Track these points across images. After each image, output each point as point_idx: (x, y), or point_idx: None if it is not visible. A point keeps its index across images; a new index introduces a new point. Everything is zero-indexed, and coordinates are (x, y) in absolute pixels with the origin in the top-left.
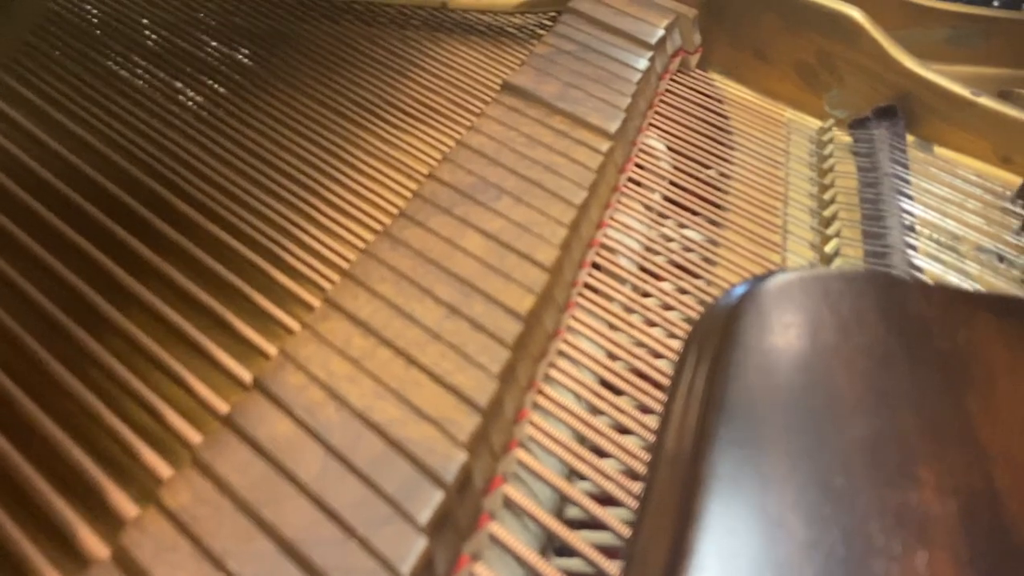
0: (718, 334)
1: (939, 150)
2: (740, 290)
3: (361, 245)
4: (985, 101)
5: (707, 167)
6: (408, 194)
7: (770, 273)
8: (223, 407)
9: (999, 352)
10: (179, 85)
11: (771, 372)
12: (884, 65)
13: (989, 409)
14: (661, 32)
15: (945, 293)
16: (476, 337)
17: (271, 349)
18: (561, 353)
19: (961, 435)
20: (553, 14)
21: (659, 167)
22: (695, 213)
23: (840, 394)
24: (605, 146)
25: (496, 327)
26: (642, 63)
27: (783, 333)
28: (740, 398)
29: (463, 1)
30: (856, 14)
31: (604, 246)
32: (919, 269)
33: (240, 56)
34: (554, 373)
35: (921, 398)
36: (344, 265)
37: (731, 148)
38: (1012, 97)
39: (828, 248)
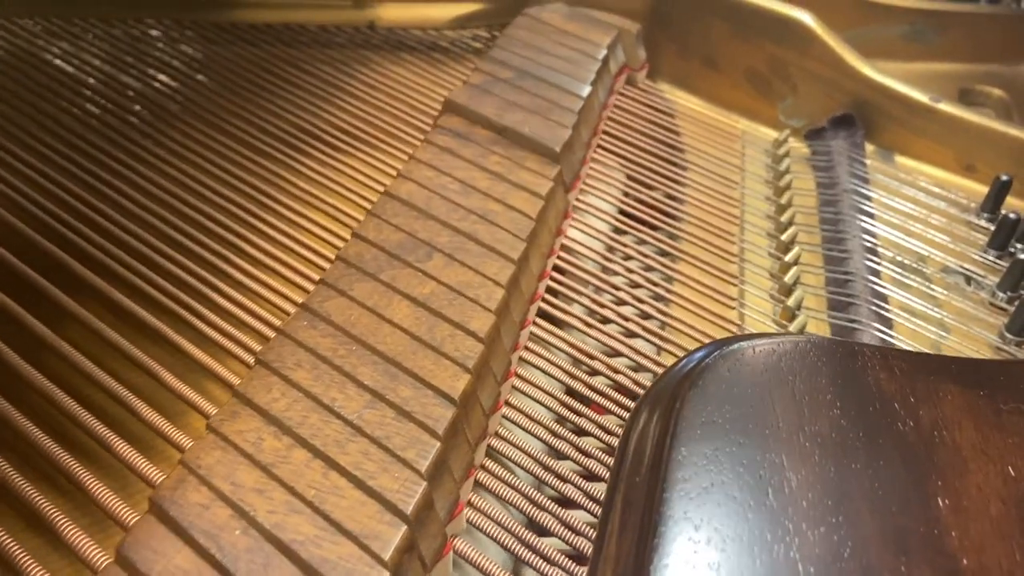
0: (662, 428)
1: (901, 159)
2: (686, 367)
3: (289, 308)
4: (945, 107)
5: (659, 193)
6: (340, 242)
7: (717, 345)
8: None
9: (968, 433)
10: (74, 124)
11: (718, 476)
12: (838, 71)
13: (959, 507)
14: (603, 52)
15: (908, 362)
16: (403, 428)
17: (185, 441)
18: (506, 419)
19: (928, 542)
20: (492, 25)
21: (608, 195)
22: (647, 245)
23: (794, 499)
24: (545, 188)
25: (425, 414)
26: (584, 89)
27: (733, 426)
28: (683, 513)
29: (393, 17)
30: (807, 19)
31: (550, 290)
32: (884, 298)
33: (146, 88)
34: (497, 443)
35: (883, 497)
36: (270, 333)
37: (684, 168)
38: (973, 95)
39: (788, 277)
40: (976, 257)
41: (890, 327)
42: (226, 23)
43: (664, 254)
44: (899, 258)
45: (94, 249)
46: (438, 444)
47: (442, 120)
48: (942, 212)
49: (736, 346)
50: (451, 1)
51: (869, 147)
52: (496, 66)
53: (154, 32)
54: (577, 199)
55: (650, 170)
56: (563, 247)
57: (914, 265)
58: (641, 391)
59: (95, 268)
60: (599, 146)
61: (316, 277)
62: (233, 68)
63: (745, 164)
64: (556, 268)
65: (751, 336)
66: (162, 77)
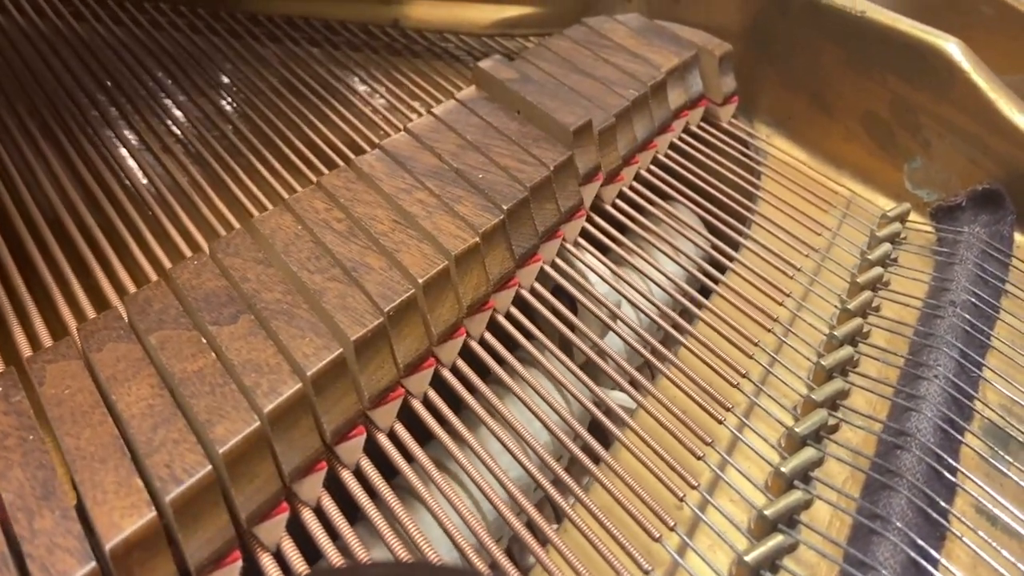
0: None
1: None
2: None
3: None
4: None
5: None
6: None
7: None
8: None
9: None
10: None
11: None
12: (988, 126)
13: None
14: (658, 77)
15: None
16: None
17: None
18: None
19: None
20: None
21: (591, 267)
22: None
23: None
24: (462, 245)
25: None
26: (597, 121)
27: None
28: None
29: (420, 16)
30: (952, 49)
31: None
32: (950, 493)
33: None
34: None
35: None
36: None
37: (737, 246)
38: None
39: (801, 428)
40: None
41: (939, 546)
42: (242, 14)
43: (644, 370)
44: (1008, 428)
45: None
46: None
47: (389, 140)
48: None
49: None
50: (492, 2)
51: (1022, 240)
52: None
53: (159, 18)
54: (549, 264)
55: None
56: (484, 328)
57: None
58: None
59: None
60: (615, 203)
61: None
62: (221, 64)
63: (834, 245)
64: (463, 355)
65: None
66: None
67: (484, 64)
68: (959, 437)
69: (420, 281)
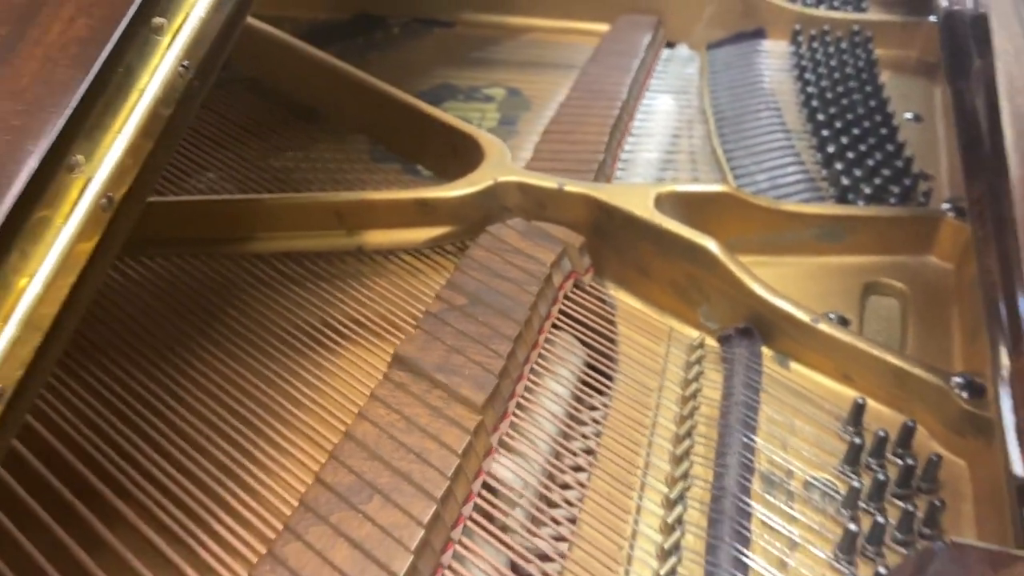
0: None
1: (795, 365)
2: None
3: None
4: (823, 327)
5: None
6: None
7: None
8: None
9: None
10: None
11: None
12: (738, 290)
13: None
14: (546, 271)
15: None
16: None
17: None
18: None
19: None
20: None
21: (539, 423)
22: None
23: None
24: (473, 422)
25: None
26: (522, 313)
27: None
28: None
29: (378, 242)
30: (711, 246)
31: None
32: (748, 516)
33: None
34: None
35: None
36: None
37: (612, 380)
38: (877, 288)
39: (672, 493)
40: (832, 471)
41: (747, 545)
42: (223, 255)
43: (579, 469)
44: (771, 475)
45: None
46: None
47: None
48: (816, 423)
49: None
50: (426, 226)
51: (769, 352)
52: (454, 293)
53: None
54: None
55: (583, 383)
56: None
57: (781, 481)
58: None
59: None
60: (539, 360)
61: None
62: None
63: (667, 367)
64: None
65: None
66: None
67: (430, 310)
68: (748, 484)
69: (459, 450)
